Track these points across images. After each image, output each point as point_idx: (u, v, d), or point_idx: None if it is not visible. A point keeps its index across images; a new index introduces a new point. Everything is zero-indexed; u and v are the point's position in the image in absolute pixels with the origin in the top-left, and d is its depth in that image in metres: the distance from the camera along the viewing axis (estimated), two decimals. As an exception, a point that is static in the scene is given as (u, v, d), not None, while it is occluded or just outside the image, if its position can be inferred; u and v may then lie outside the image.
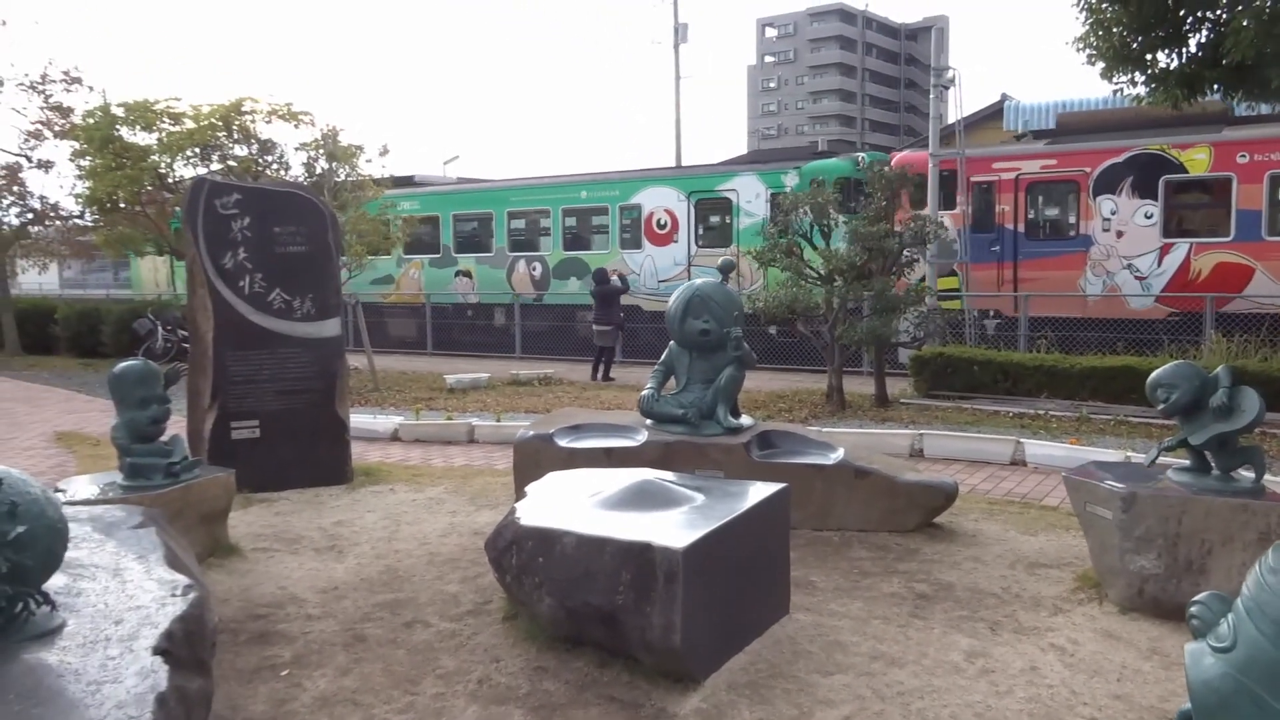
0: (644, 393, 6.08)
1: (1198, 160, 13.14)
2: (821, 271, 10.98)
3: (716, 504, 4.03)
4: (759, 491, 4.18)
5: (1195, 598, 2.01)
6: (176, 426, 7.26)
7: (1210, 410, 4.24)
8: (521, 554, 3.93)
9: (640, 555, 3.57)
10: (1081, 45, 7.92)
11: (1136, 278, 13.62)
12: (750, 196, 17.21)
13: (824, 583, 4.81)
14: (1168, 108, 7.39)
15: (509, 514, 4.19)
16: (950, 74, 17.42)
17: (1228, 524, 4.18)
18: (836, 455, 5.79)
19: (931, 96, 17.51)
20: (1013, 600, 4.56)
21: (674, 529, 3.69)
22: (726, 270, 6.15)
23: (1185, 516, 4.23)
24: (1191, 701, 1.90)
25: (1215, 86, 7.31)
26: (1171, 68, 7.37)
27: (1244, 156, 12.76)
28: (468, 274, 19.53)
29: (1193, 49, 7.33)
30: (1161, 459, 4.55)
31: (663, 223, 18.14)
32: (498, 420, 9.76)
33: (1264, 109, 10.49)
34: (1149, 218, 13.45)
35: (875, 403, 11.22)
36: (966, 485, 7.21)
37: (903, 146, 17.70)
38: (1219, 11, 7.00)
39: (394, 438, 9.41)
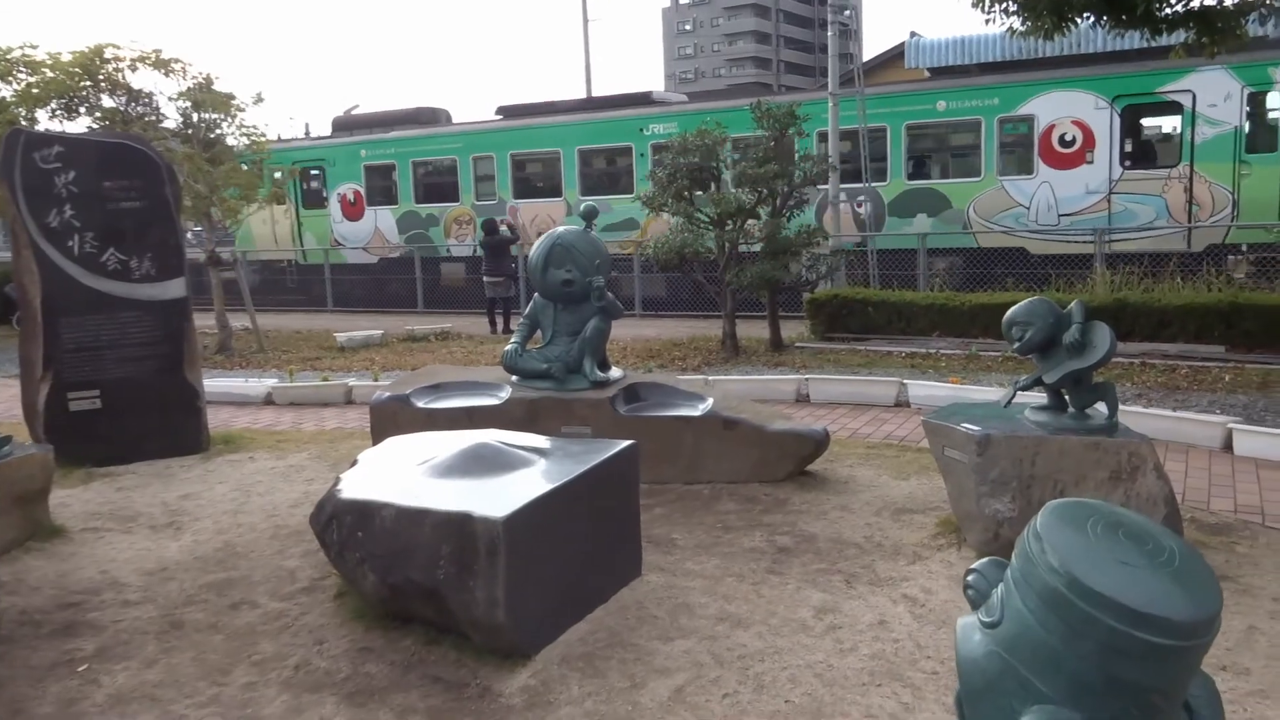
0: (507, 348, 5.79)
1: None
2: (712, 215, 10.74)
3: (554, 466, 3.79)
4: (601, 450, 3.94)
5: (972, 565, 1.83)
6: (13, 400, 6.81)
7: (1064, 347, 4.13)
8: (342, 528, 3.65)
9: (460, 526, 3.32)
10: (960, -24, 7.75)
11: None
12: (1215, 99, 13.11)
13: (685, 540, 4.63)
14: (1040, 39, 7.31)
15: (332, 485, 3.90)
16: (848, 12, 17.24)
17: (1080, 463, 4.10)
18: (705, 406, 5.59)
19: (830, 35, 17.28)
20: (873, 550, 4.44)
21: (499, 497, 3.45)
22: (589, 217, 5.86)
23: (1038, 457, 4.14)
24: (960, 682, 1.71)
25: (1085, 15, 7.22)
26: (1043, -3, 7.26)
27: None
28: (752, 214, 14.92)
29: (1062, -23, 7.22)
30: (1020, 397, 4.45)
31: (1069, 138, 14.18)
32: (375, 379, 9.36)
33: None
34: None
35: (770, 347, 11.10)
36: (848, 430, 7.13)
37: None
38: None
39: (267, 402, 8.95)
